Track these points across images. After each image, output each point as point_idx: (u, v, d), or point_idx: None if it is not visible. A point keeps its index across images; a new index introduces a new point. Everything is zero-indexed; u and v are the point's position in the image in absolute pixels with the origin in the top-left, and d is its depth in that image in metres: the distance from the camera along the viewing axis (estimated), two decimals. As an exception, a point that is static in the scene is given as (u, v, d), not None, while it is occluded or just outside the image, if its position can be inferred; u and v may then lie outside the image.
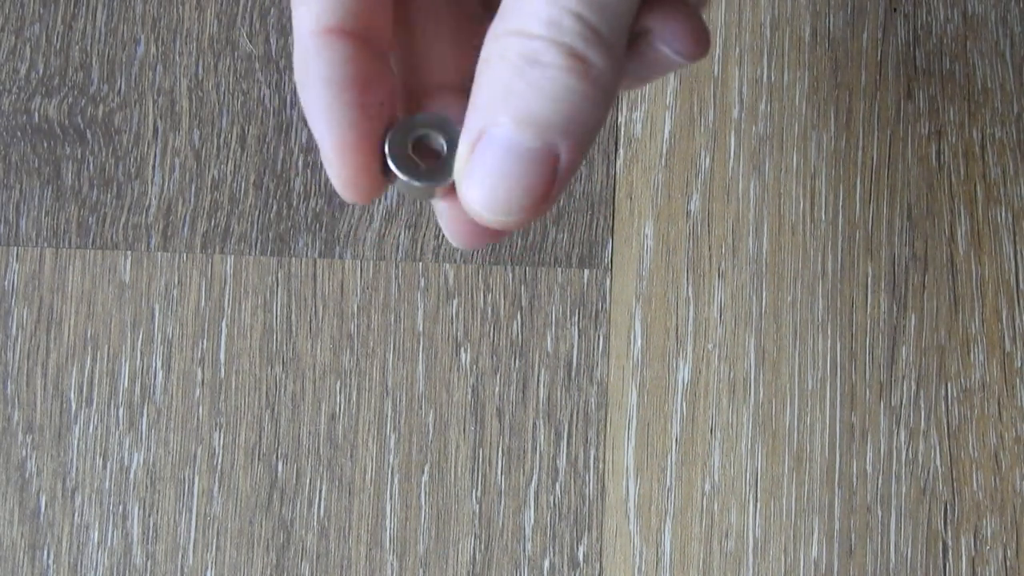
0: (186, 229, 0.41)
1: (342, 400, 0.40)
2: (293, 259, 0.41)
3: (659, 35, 0.24)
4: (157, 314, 0.41)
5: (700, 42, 0.25)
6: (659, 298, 0.40)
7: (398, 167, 0.24)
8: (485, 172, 0.23)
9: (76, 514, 0.40)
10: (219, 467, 0.40)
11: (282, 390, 0.40)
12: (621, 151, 0.41)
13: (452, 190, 0.24)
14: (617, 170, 0.41)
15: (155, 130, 0.42)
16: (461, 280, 0.40)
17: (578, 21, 0.22)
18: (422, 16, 0.26)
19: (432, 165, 0.24)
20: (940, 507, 0.39)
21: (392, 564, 0.39)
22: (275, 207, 0.41)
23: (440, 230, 0.41)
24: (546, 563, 0.39)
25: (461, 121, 0.24)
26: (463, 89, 0.24)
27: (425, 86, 0.26)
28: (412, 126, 0.24)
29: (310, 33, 0.24)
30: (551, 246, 0.40)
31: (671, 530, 0.39)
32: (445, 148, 0.24)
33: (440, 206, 0.26)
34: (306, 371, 0.40)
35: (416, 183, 0.24)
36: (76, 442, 0.40)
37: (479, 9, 0.27)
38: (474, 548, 0.39)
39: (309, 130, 0.41)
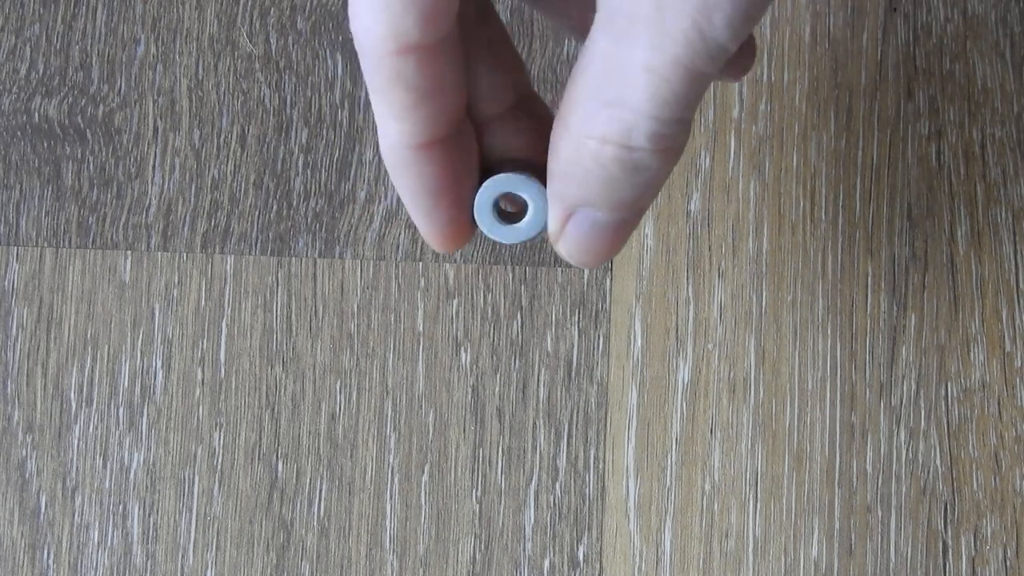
0: (186, 229, 0.41)
1: (342, 400, 0.40)
2: (293, 259, 0.41)
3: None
4: (157, 314, 0.41)
5: (748, 67, 0.27)
6: (659, 298, 0.40)
7: (485, 227, 0.27)
8: (578, 238, 0.26)
9: (76, 514, 0.40)
10: (219, 467, 0.40)
11: (282, 390, 0.40)
12: (621, 151, 0.41)
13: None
14: (617, 170, 0.41)
15: (155, 130, 0.42)
16: (461, 280, 0.41)
17: (674, 125, 0.24)
18: (468, 55, 0.27)
19: (514, 222, 0.27)
20: (940, 507, 0.39)
21: (392, 564, 0.39)
22: (275, 207, 0.41)
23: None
24: (546, 563, 0.39)
25: (531, 171, 0.27)
26: (513, 117, 0.27)
27: (488, 116, 0.28)
28: (495, 189, 0.27)
29: (404, 147, 0.26)
30: (551, 246, 0.40)
31: (671, 530, 0.39)
32: (528, 206, 0.27)
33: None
34: (306, 371, 0.40)
35: (503, 241, 0.27)
36: (76, 442, 0.40)
37: (504, 38, 0.28)
38: (474, 548, 0.39)
39: (309, 130, 0.41)
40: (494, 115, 0.28)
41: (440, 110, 0.25)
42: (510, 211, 0.28)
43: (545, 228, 0.27)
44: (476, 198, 0.27)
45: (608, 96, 0.24)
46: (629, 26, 0.23)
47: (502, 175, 0.27)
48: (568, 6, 0.29)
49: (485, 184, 0.27)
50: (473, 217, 0.27)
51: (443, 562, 0.39)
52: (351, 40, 0.42)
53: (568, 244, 0.27)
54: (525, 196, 0.27)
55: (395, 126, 0.25)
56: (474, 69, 0.27)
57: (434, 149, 0.26)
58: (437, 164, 0.26)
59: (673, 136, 0.24)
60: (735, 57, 0.26)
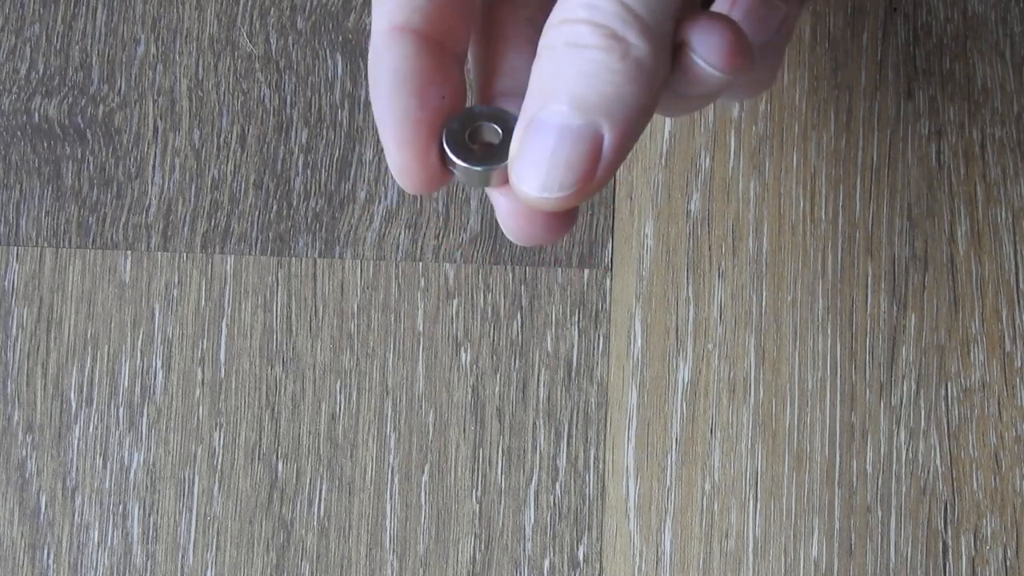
0: (186, 229, 0.41)
1: (342, 400, 0.40)
2: (293, 259, 0.41)
3: (695, 47, 0.25)
4: (157, 314, 0.41)
5: (737, 56, 0.25)
6: (659, 298, 0.40)
7: (454, 153, 0.25)
8: (532, 152, 0.24)
9: (76, 514, 0.40)
10: (219, 467, 0.40)
11: (282, 390, 0.40)
12: (621, 151, 0.41)
13: (507, 177, 0.25)
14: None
15: (155, 130, 0.42)
16: (461, 280, 0.41)
17: (616, 3, 0.23)
18: (502, 31, 0.27)
19: (488, 152, 0.25)
20: (940, 507, 0.39)
21: (392, 564, 0.39)
22: (275, 207, 0.41)
23: (440, 230, 0.41)
24: (546, 563, 0.39)
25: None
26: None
27: (502, 92, 0.27)
28: (470, 117, 0.25)
29: (382, 30, 0.25)
30: (551, 246, 0.40)
31: (671, 530, 0.39)
32: (501, 136, 0.25)
33: (497, 199, 0.27)
34: (306, 371, 0.40)
35: (472, 168, 0.25)
36: (76, 442, 0.40)
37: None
38: (474, 548, 0.39)
39: (309, 130, 0.41)
40: (512, 91, 0.27)
41: None
42: (485, 148, 0.26)
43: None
44: (447, 125, 0.26)
45: None
46: None
47: (478, 106, 0.26)
48: None
49: (459, 113, 0.26)
50: (445, 153, 0.25)
51: (443, 562, 0.39)
52: (351, 40, 0.42)
53: (522, 161, 0.24)
54: (497, 125, 0.25)
55: (378, 10, 0.25)
56: (508, 44, 0.26)
57: (415, 36, 0.25)
58: (415, 54, 0.25)
59: (613, 18, 0.23)
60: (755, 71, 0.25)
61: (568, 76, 0.23)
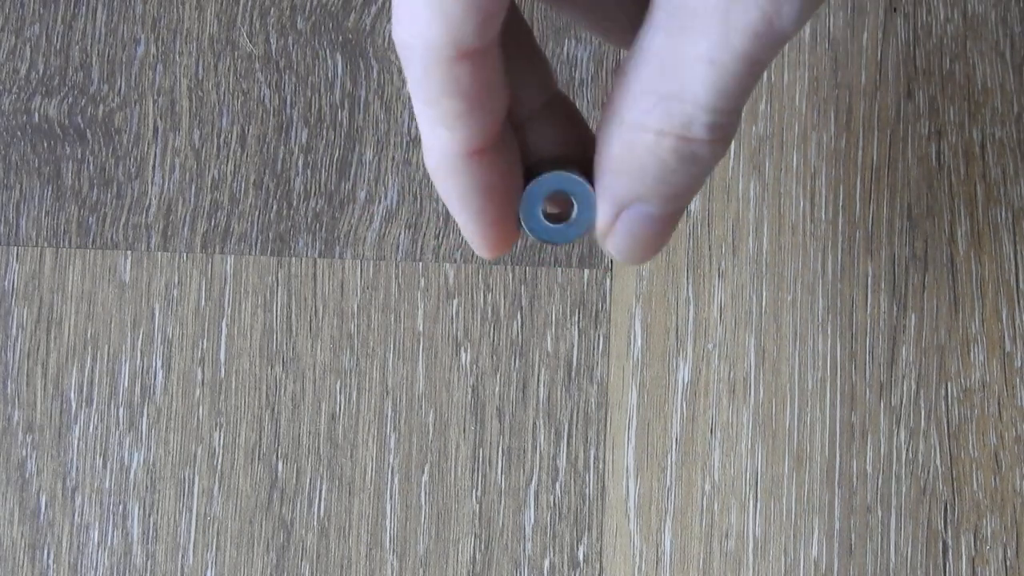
0: (186, 229, 0.41)
1: (342, 400, 0.40)
2: (293, 259, 0.41)
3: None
4: (157, 314, 0.41)
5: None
6: (659, 298, 0.40)
7: (532, 230, 0.27)
8: (629, 234, 0.26)
9: (76, 514, 0.40)
10: (219, 467, 0.40)
11: (282, 390, 0.40)
12: (621, 151, 0.41)
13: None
14: (617, 170, 0.41)
15: (155, 130, 0.42)
16: (461, 280, 0.40)
17: (726, 116, 0.24)
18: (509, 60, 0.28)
19: (561, 223, 0.27)
20: (940, 507, 0.39)
21: (392, 564, 0.39)
22: (275, 207, 0.41)
23: (440, 230, 0.41)
24: (546, 563, 0.39)
25: (578, 172, 0.27)
26: (546, 115, 0.27)
27: (515, 121, 0.28)
28: (541, 190, 0.27)
29: (456, 155, 0.26)
30: (551, 246, 0.40)
31: (671, 530, 0.39)
32: (573, 204, 0.26)
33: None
34: (306, 371, 0.40)
35: (551, 241, 0.27)
36: (76, 442, 0.40)
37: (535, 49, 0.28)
38: (474, 548, 0.39)
39: (309, 130, 0.41)
40: (529, 115, 0.27)
41: (491, 115, 0.25)
42: (554, 212, 0.27)
43: (592, 226, 0.26)
44: (523, 198, 0.27)
45: (667, 89, 0.24)
46: (691, 19, 0.23)
47: (549, 174, 0.27)
48: (601, 5, 0.29)
49: (533, 183, 0.27)
50: (518, 220, 0.27)
51: (443, 562, 0.39)
52: (351, 40, 0.42)
53: (618, 241, 0.26)
54: (572, 193, 0.26)
55: (446, 134, 0.25)
56: (510, 70, 0.27)
57: (484, 154, 0.25)
58: (487, 169, 0.26)
59: (730, 125, 0.24)
60: None
61: (652, 173, 0.25)
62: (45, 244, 0.41)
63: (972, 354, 0.40)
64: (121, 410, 0.40)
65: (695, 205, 0.40)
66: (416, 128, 0.41)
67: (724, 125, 0.24)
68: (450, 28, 0.23)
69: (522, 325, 0.40)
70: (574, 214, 0.27)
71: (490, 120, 0.25)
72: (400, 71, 0.41)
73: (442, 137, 0.25)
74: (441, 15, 0.23)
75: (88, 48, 0.42)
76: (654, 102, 0.24)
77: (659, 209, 0.26)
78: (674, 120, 0.24)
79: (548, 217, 0.27)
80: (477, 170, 0.26)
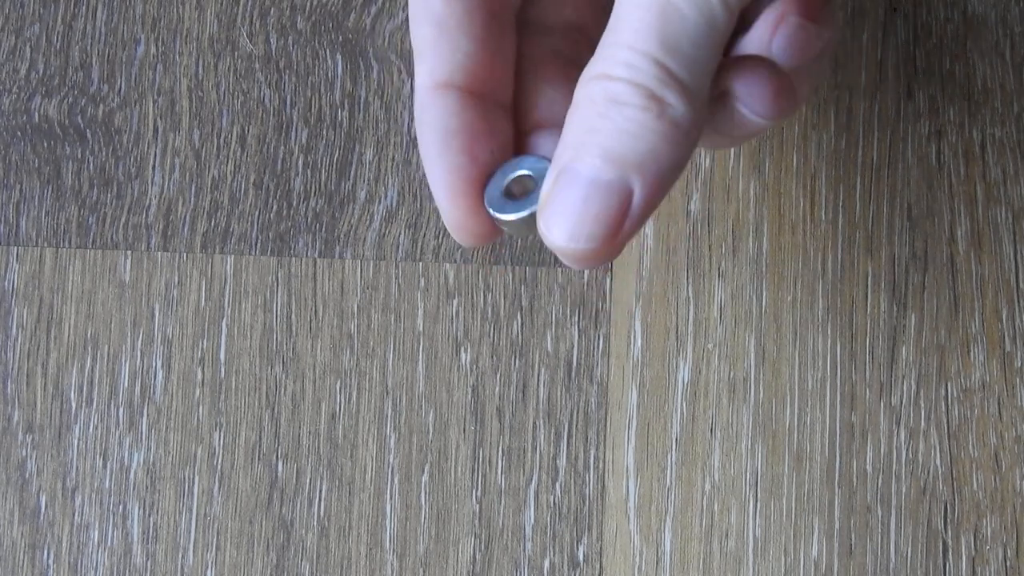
0: (186, 229, 0.41)
1: (342, 400, 0.40)
2: (293, 259, 0.41)
3: (739, 97, 0.26)
4: (157, 314, 0.41)
5: (780, 103, 0.26)
6: (659, 298, 0.40)
7: (491, 206, 0.25)
8: (561, 201, 0.24)
9: (76, 514, 0.40)
10: (219, 467, 0.40)
11: (282, 390, 0.40)
12: (621, 151, 0.41)
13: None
14: (617, 170, 0.41)
15: (155, 130, 0.42)
16: (461, 280, 0.41)
17: (656, 65, 0.23)
18: (529, 63, 0.27)
19: (525, 201, 0.25)
20: (940, 507, 0.39)
21: (392, 564, 0.39)
22: (275, 207, 0.41)
23: (440, 230, 0.41)
24: (546, 563, 0.39)
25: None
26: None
27: (532, 126, 0.27)
28: (511, 169, 0.26)
29: (424, 87, 0.26)
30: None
31: (671, 530, 0.39)
32: (536, 184, 0.25)
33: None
34: (306, 371, 0.40)
35: (507, 219, 0.25)
36: (76, 442, 0.40)
37: (583, 52, 0.28)
38: (474, 548, 0.39)
39: (309, 130, 0.41)
40: (542, 125, 0.27)
41: (463, 50, 0.25)
42: (523, 194, 0.26)
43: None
44: (489, 179, 0.26)
45: (607, 40, 0.24)
46: None
47: (520, 157, 0.26)
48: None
49: (501, 165, 0.26)
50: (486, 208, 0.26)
51: (443, 562, 0.39)
52: (351, 40, 0.42)
53: (551, 210, 0.24)
54: (533, 171, 0.25)
55: (420, 67, 0.25)
56: (534, 78, 0.27)
57: (452, 91, 0.25)
58: (452, 110, 0.25)
59: (652, 79, 0.24)
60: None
61: (604, 130, 0.24)
62: (45, 244, 0.41)
63: (972, 354, 0.40)
64: (121, 410, 0.40)
65: (695, 205, 0.40)
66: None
67: (646, 71, 0.23)
68: None
69: (522, 325, 0.40)
70: (533, 192, 0.25)
71: (462, 55, 0.25)
72: (400, 71, 0.41)
73: (419, 72, 0.25)
74: None
75: (88, 48, 0.42)
76: (600, 50, 0.24)
77: (591, 171, 0.24)
78: (606, 63, 0.24)
79: (513, 199, 0.26)
80: (442, 106, 0.25)
